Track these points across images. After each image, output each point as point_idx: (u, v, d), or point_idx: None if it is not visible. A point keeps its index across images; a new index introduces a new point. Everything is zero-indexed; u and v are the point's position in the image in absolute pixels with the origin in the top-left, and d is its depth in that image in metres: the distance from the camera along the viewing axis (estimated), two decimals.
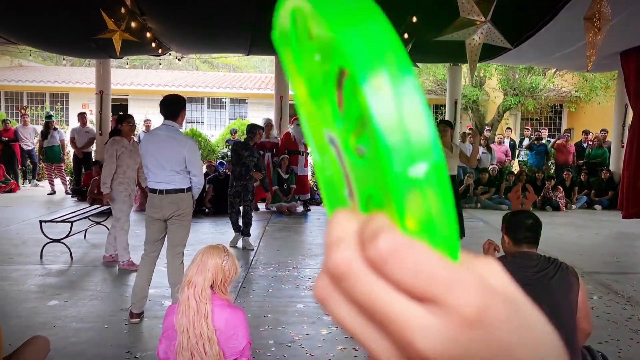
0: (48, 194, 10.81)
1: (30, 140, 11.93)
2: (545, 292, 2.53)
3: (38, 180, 12.37)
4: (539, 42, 7.51)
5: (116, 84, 16.27)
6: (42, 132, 11.25)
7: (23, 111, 12.43)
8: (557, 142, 12.13)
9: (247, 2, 6.55)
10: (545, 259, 2.64)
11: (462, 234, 5.80)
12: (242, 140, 6.73)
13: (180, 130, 4.16)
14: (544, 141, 12.54)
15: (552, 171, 12.21)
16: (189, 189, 4.06)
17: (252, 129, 6.64)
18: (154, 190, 4.02)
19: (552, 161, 12.61)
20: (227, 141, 12.54)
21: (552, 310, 2.49)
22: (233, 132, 13.08)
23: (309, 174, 9.92)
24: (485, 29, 4.30)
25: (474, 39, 4.33)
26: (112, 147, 5.33)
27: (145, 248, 4.16)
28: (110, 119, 10.81)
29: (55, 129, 11.23)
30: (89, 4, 6.33)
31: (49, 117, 11.52)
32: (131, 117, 5.65)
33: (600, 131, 12.45)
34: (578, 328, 2.54)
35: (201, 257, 2.21)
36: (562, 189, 10.86)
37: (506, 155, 12.25)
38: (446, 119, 11.32)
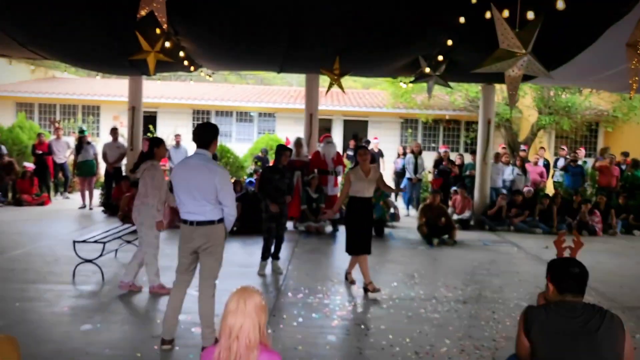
0: (79, 208, 10.97)
1: (63, 153, 12.13)
2: (590, 344, 2.45)
3: (69, 192, 12.55)
4: (576, 65, 7.30)
5: (146, 97, 16.43)
6: (75, 146, 11.43)
7: (57, 124, 12.67)
8: (600, 163, 11.73)
9: (281, 21, 6.55)
10: (589, 308, 2.55)
11: (368, 251, 5.87)
12: (271, 164, 6.66)
13: (212, 159, 4.13)
14: (580, 162, 12.20)
15: (588, 193, 11.85)
16: (221, 220, 4.00)
17: (279, 150, 6.57)
18: (185, 221, 3.99)
19: (589, 183, 12.24)
20: (255, 157, 12.56)
21: None
22: (264, 152, 13.02)
23: (339, 193, 9.83)
24: (526, 61, 4.17)
25: (513, 70, 4.21)
26: (157, 172, 5.35)
27: (176, 276, 4.14)
28: (142, 138, 10.95)
29: (88, 143, 11.41)
30: (125, 24, 6.40)
31: (81, 131, 11.72)
32: (163, 141, 5.64)
33: None
34: None
35: (244, 303, 2.14)
36: (598, 213, 10.54)
37: (541, 177, 11.93)
38: (479, 138, 11.13)
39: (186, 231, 4.00)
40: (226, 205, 3.97)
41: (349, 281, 6.17)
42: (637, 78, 4.87)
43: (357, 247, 5.86)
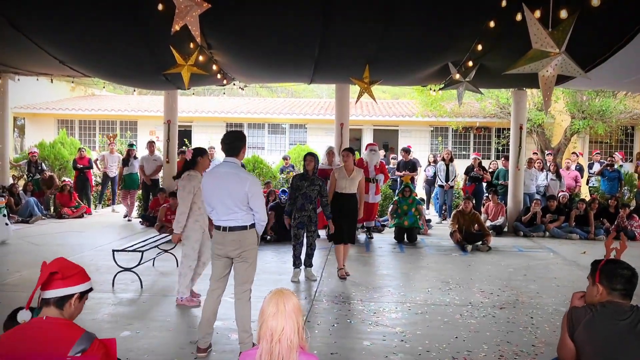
0: (124, 217, 11.35)
1: (116, 167, 12.49)
2: (639, 347, 2.37)
3: (116, 205, 12.89)
4: (611, 67, 7.18)
5: (181, 111, 16.84)
6: (123, 159, 11.79)
7: (112, 139, 13.09)
8: None
9: (311, 32, 6.66)
10: (638, 310, 2.49)
11: (352, 241, 6.80)
12: (301, 172, 6.73)
13: (241, 166, 4.20)
14: (616, 166, 11.91)
15: (626, 198, 11.55)
16: (253, 226, 4.07)
17: (305, 157, 6.60)
18: (218, 227, 4.07)
19: (627, 187, 11.93)
20: (281, 170, 12.74)
21: None
22: (285, 158, 13.35)
23: (379, 201, 9.84)
24: (560, 60, 4.15)
25: (547, 70, 4.19)
26: (189, 183, 5.26)
27: (210, 283, 4.19)
28: (177, 150, 11.21)
29: (135, 157, 11.75)
30: (160, 40, 6.62)
31: (131, 145, 12.09)
32: (207, 151, 5.71)
33: None
34: None
35: (284, 305, 2.15)
36: (637, 217, 10.25)
37: (576, 181, 11.70)
38: (511, 144, 11.01)
39: (218, 237, 4.07)
40: (257, 212, 4.03)
41: (340, 276, 6.57)
42: None
43: (341, 237, 6.57)
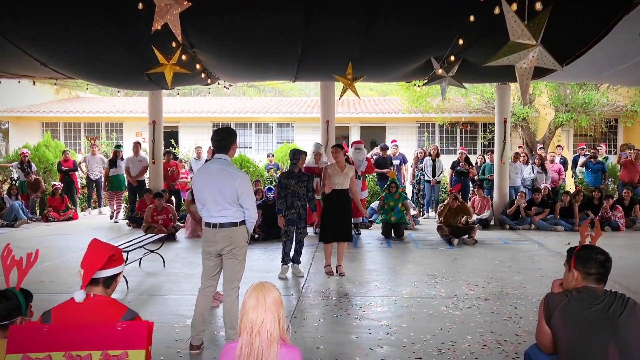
0: (115, 222, 11.24)
1: (98, 169, 12.40)
2: (612, 331, 2.43)
3: (102, 207, 12.80)
4: (592, 60, 7.26)
5: (167, 112, 16.83)
6: (110, 160, 11.72)
7: (93, 141, 13.00)
8: (624, 158, 11.58)
9: (295, 31, 6.66)
10: (611, 294, 2.54)
11: (349, 239, 6.68)
12: (287, 169, 6.72)
13: (232, 163, 4.22)
14: (601, 158, 12.06)
15: (610, 189, 11.71)
16: (243, 222, 4.09)
17: (295, 155, 6.61)
18: (208, 224, 4.08)
19: (611, 179, 12.09)
20: (266, 167, 12.77)
21: (621, 351, 2.38)
22: (269, 155, 13.44)
23: (366, 197, 9.88)
24: (537, 52, 4.20)
25: (524, 63, 4.24)
26: None
27: (202, 282, 4.20)
28: (163, 151, 11.19)
29: (122, 158, 11.70)
30: (142, 39, 6.59)
31: (117, 146, 12.03)
32: None
33: None
34: None
35: (264, 298, 2.17)
36: (620, 208, 10.39)
37: (559, 174, 11.84)
38: (496, 138, 11.11)
39: (209, 234, 4.08)
40: (247, 208, 4.05)
41: (327, 272, 6.58)
42: None
43: (335, 235, 6.53)
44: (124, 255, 6.09)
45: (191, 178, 11.33)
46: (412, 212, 10.53)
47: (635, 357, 2.38)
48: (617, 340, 2.40)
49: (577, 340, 2.47)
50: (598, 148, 12.64)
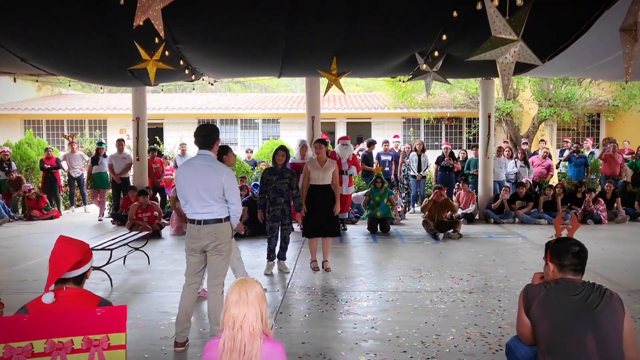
0: (100, 220, 11.13)
1: (79, 166, 12.26)
2: (590, 321, 2.46)
3: (87, 204, 12.65)
4: (573, 54, 7.33)
5: (152, 108, 16.71)
6: (92, 158, 11.60)
7: (71, 139, 12.85)
8: (605, 152, 11.75)
9: (278, 26, 6.64)
10: (589, 285, 2.57)
11: (334, 234, 6.69)
12: (270, 166, 6.69)
13: (216, 159, 4.19)
14: (587, 152, 12.23)
15: (593, 183, 11.87)
16: (227, 219, 4.07)
17: (277, 152, 6.57)
18: (192, 221, 4.05)
19: (595, 173, 12.26)
20: (250, 163, 12.77)
21: (599, 341, 2.42)
22: (247, 151, 13.47)
23: (352, 193, 9.88)
24: (518, 47, 4.23)
25: (506, 57, 4.27)
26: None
27: (186, 279, 4.18)
28: (147, 148, 11.10)
29: (105, 156, 11.57)
30: (125, 35, 6.52)
31: (100, 144, 11.90)
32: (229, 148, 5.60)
33: None
34: (625, 357, 2.45)
35: (246, 293, 2.18)
36: (603, 202, 10.53)
37: (548, 170, 11.93)
38: (480, 133, 11.20)
39: (193, 231, 4.05)
40: (233, 203, 4.05)
41: (313, 268, 6.59)
42: (632, 62, 4.90)
43: (319, 230, 6.54)
44: (109, 253, 6.08)
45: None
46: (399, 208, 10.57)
47: (611, 346, 2.42)
48: (595, 330, 2.44)
49: (555, 330, 2.50)
50: (584, 142, 12.80)
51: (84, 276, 2.57)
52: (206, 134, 4.12)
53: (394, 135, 13.70)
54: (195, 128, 4.27)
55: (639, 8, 4.43)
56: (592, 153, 12.92)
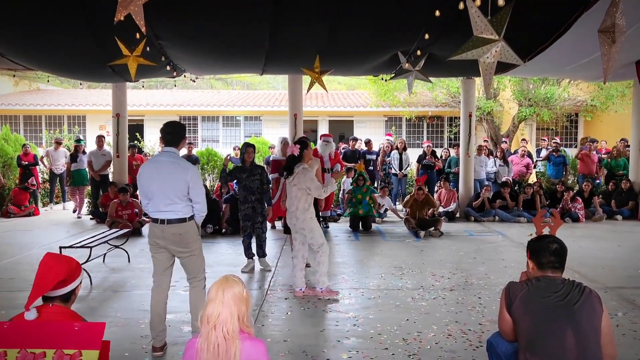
0: (74, 213, 10.95)
1: (62, 163, 12.05)
2: (570, 317, 2.50)
3: (67, 201, 12.45)
4: (553, 55, 7.45)
5: (132, 105, 16.51)
6: (71, 155, 11.42)
7: (58, 139, 12.67)
8: (581, 152, 11.95)
9: (261, 24, 6.61)
10: (569, 283, 2.61)
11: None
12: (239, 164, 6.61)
13: (180, 156, 4.07)
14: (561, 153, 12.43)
15: (570, 182, 12.07)
16: (192, 217, 3.96)
17: (245, 150, 6.49)
18: (155, 220, 3.91)
19: (571, 172, 12.46)
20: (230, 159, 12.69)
21: (577, 337, 2.46)
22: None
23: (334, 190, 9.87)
24: (499, 47, 4.28)
25: (487, 57, 4.31)
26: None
27: (154, 280, 4.06)
28: (128, 144, 11.01)
29: (84, 152, 11.40)
30: (105, 30, 6.43)
31: (78, 140, 11.72)
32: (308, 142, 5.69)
33: (620, 140, 12.27)
34: (603, 353, 2.50)
35: (222, 293, 2.16)
36: (580, 200, 10.71)
37: (527, 168, 12.10)
38: (461, 131, 11.30)
39: (157, 231, 3.91)
40: (197, 202, 3.94)
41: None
42: (610, 64, 4.98)
43: None
44: (88, 250, 6.00)
45: None
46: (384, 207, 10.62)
47: (590, 342, 2.46)
48: (574, 326, 2.48)
49: (536, 327, 2.54)
50: (554, 142, 13.02)
51: (71, 294, 2.51)
52: (172, 130, 4.01)
53: (386, 133, 13.73)
54: None
55: (617, 10, 4.51)
56: (564, 152, 13.13)
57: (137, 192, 11.02)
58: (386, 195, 10.67)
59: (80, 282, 2.56)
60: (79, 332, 2.27)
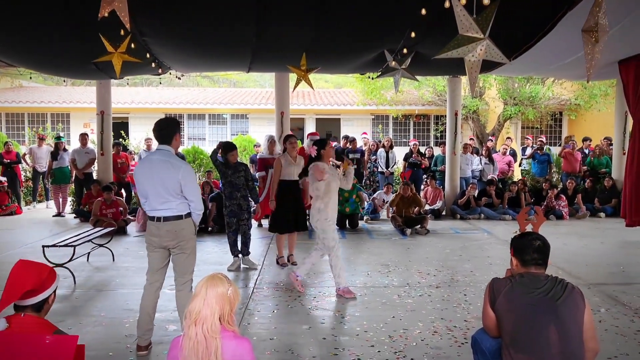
0: (54, 216, 10.78)
1: (45, 161, 11.88)
2: (553, 313, 2.52)
3: (50, 200, 12.29)
4: (538, 54, 7.51)
5: (117, 102, 16.36)
6: (52, 153, 11.26)
7: (41, 134, 12.48)
8: (565, 150, 12.08)
9: (247, 21, 6.58)
10: (552, 279, 2.63)
11: (304, 228, 6.84)
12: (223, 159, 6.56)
13: (174, 154, 4.02)
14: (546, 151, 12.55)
15: (555, 179, 12.20)
16: (189, 215, 3.95)
17: (225, 148, 6.48)
18: (152, 218, 3.92)
19: (555, 170, 12.60)
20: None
21: (560, 332, 2.48)
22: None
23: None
24: (484, 46, 4.30)
25: (473, 56, 4.33)
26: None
27: (148, 277, 4.03)
28: (112, 142, 10.89)
29: (65, 150, 11.25)
30: (89, 27, 6.36)
31: (58, 138, 11.56)
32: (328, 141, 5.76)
33: (604, 139, 12.42)
34: (586, 348, 2.53)
35: (205, 290, 2.16)
36: (564, 198, 10.83)
37: (509, 166, 12.23)
38: (447, 130, 11.36)
39: (153, 228, 3.91)
40: (192, 201, 3.92)
41: (281, 264, 6.61)
42: (593, 63, 5.03)
43: (290, 226, 6.55)
44: (71, 249, 5.93)
45: None
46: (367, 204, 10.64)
47: (572, 337, 2.49)
48: (557, 322, 2.50)
49: (519, 323, 2.56)
50: (539, 140, 13.15)
51: (44, 302, 2.41)
52: (163, 128, 3.99)
53: (362, 132, 13.76)
54: None
55: (600, 10, 4.56)
56: (549, 149, 13.28)
57: (122, 191, 10.95)
58: (390, 192, 10.68)
59: (55, 291, 2.46)
60: (49, 345, 2.19)
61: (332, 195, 5.44)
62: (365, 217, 10.15)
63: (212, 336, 2.10)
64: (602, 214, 10.83)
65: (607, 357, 3.82)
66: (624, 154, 10.06)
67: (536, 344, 2.50)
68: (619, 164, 11.23)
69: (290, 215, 6.54)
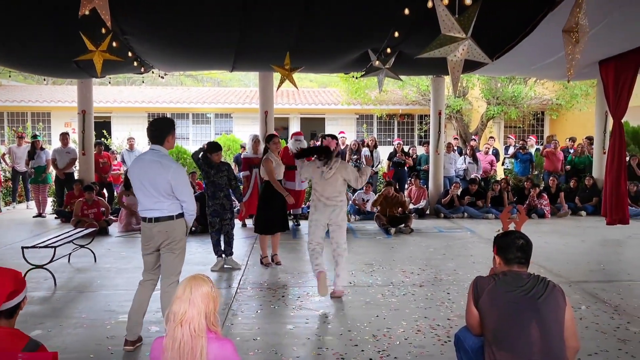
0: (34, 217, 10.60)
1: (25, 161, 11.67)
2: (534, 311, 2.54)
3: (30, 200, 12.09)
4: (519, 54, 7.59)
5: (99, 101, 16.18)
6: (28, 152, 11.07)
7: (20, 132, 12.27)
8: (547, 149, 12.22)
9: (230, 19, 6.54)
10: (534, 278, 2.66)
11: (286, 228, 6.79)
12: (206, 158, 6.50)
13: (167, 154, 3.99)
14: (532, 150, 12.68)
15: (538, 179, 12.33)
16: (180, 215, 3.92)
17: (211, 148, 6.43)
18: (144, 219, 3.91)
19: (538, 169, 12.74)
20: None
21: (542, 330, 2.50)
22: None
23: (305, 188, 9.85)
24: (467, 45, 4.33)
25: (455, 55, 4.36)
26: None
27: (143, 275, 4.05)
28: (94, 142, 10.74)
29: (42, 148, 11.08)
30: (70, 25, 6.27)
31: (34, 136, 11.37)
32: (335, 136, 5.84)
33: (585, 138, 12.59)
34: (567, 346, 2.55)
35: (190, 291, 2.14)
36: (546, 196, 10.95)
37: (491, 165, 12.35)
38: (431, 129, 11.42)
39: (146, 229, 3.92)
40: (184, 201, 3.89)
41: (266, 264, 6.57)
42: (573, 63, 5.09)
43: (275, 226, 6.52)
44: (52, 250, 5.84)
45: (126, 171, 10.92)
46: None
47: (553, 335, 2.52)
48: (538, 319, 2.52)
49: (501, 320, 2.58)
50: (527, 140, 13.26)
51: (17, 308, 2.34)
52: (156, 128, 3.98)
53: (339, 131, 13.76)
54: (145, 122, 4.15)
55: (580, 10, 4.61)
56: (537, 150, 13.42)
57: (104, 191, 10.83)
58: (370, 191, 10.69)
59: (25, 296, 2.40)
60: None
61: (318, 195, 5.36)
62: (352, 217, 10.16)
63: (199, 335, 2.10)
64: (583, 213, 10.97)
65: (588, 354, 3.86)
66: (605, 153, 10.20)
67: (518, 341, 2.51)
68: (600, 163, 11.38)
69: (277, 216, 6.52)
